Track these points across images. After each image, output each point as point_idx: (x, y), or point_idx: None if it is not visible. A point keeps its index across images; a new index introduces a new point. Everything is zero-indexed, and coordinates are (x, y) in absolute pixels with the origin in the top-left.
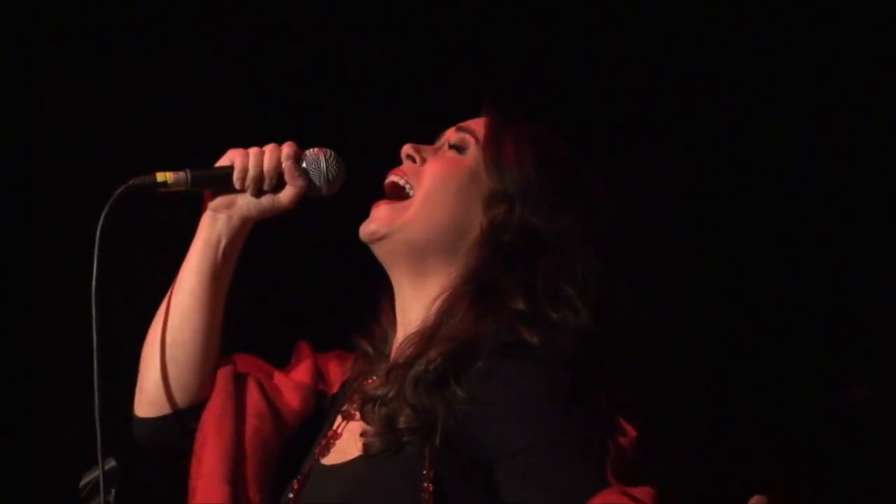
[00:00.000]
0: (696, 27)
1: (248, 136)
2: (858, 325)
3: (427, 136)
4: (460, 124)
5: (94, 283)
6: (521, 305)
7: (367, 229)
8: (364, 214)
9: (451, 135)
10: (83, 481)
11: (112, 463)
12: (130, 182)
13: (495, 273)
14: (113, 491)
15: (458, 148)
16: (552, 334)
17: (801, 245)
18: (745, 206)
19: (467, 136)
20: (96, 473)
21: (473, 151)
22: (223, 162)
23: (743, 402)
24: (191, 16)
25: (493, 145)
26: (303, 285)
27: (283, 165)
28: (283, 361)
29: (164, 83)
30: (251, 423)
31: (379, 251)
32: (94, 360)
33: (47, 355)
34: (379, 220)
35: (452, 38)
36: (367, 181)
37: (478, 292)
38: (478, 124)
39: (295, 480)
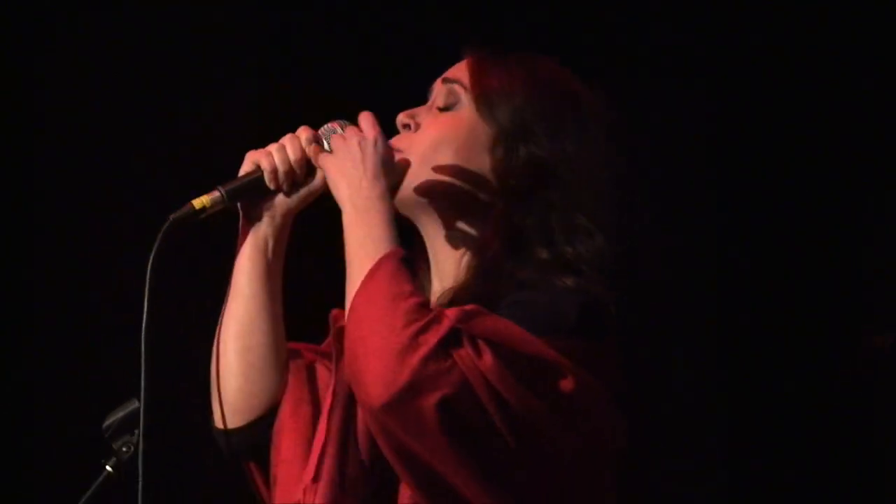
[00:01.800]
0: None
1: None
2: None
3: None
4: (445, 74)
5: (144, 324)
6: (545, 255)
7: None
8: None
9: (439, 89)
10: (107, 421)
11: (135, 404)
12: (171, 217)
13: (516, 220)
14: (137, 431)
15: (448, 107)
16: (578, 279)
17: (824, 193)
18: (769, 144)
19: (455, 87)
20: (121, 413)
21: (465, 102)
22: (246, 167)
23: (758, 346)
24: None
25: (478, 87)
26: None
27: (307, 151)
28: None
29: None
30: (326, 403)
31: (398, 209)
32: (141, 395)
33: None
34: None
35: None
36: None
37: (503, 247)
38: (460, 70)
39: None
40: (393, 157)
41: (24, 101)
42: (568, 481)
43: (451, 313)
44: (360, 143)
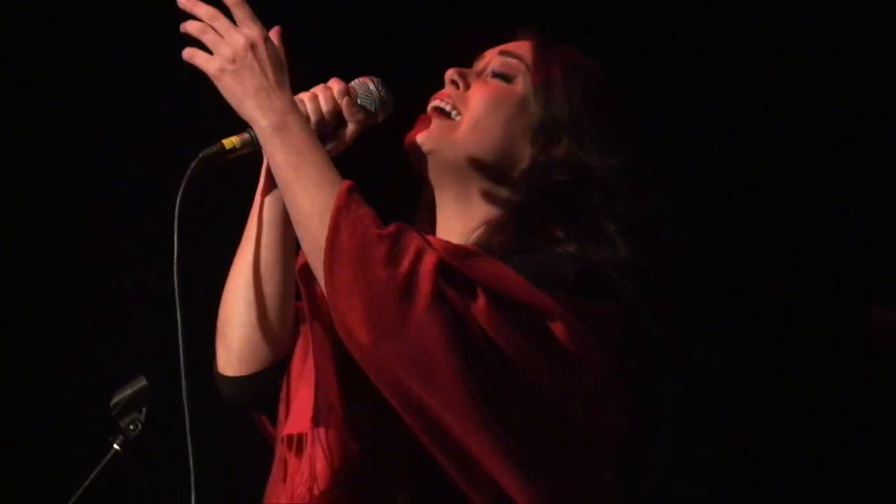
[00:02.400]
0: None
1: None
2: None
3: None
4: (504, 49)
5: (175, 261)
6: (559, 234)
7: (414, 140)
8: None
9: (493, 59)
10: (114, 399)
11: (143, 382)
12: (201, 155)
13: (540, 208)
14: (144, 409)
15: (504, 76)
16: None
17: (826, 173)
18: (770, 133)
19: (513, 62)
20: (128, 391)
21: (521, 79)
22: None
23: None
24: None
25: (542, 73)
26: None
27: (340, 103)
28: None
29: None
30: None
31: (424, 166)
32: (178, 335)
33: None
34: (427, 134)
35: None
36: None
37: (519, 225)
38: (523, 48)
39: None
40: (283, 56)
41: (25, 85)
42: (565, 435)
43: (444, 248)
44: (251, 47)
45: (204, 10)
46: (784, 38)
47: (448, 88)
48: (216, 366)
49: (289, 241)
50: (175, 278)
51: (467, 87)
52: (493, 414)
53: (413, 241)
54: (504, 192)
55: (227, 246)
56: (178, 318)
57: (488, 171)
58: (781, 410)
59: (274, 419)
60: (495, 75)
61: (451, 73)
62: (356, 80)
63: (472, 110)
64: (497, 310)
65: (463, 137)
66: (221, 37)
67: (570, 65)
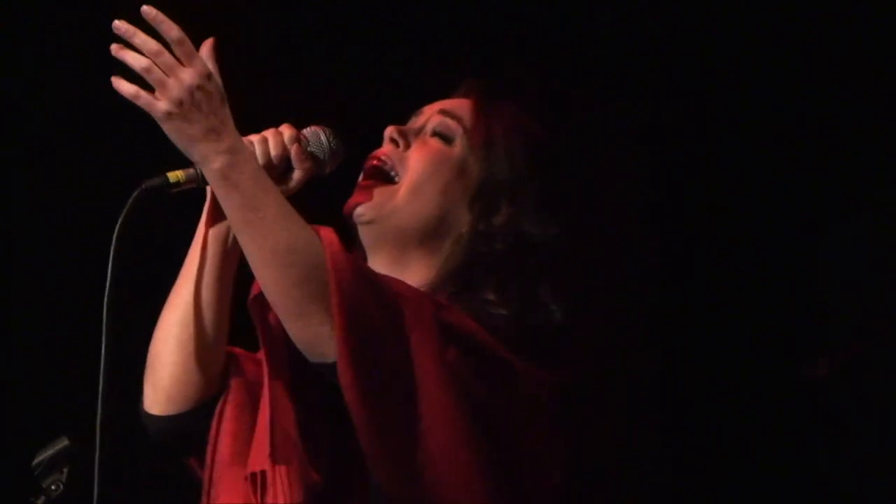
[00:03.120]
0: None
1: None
2: (819, 301)
3: (399, 113)
4: (444, 107)
5: (107, 289)
6: (490, 296)
7: (353, 209)
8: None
9: (433, 117)
10: (37, 459)
11: (64, 441)
12: (144, 185)
13: (476, 274)
14: (65, 469)
15: (444, 136)
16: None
17: (765, 225)
18: (708, 187)
19: (452, 124)
20: (50, 451)
21: (460, 141)
22: None
23: (705, 385)
24: None
25: (482, 135)
26: None
27: (290, 149)
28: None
29: None
30: (264, 383)
31: (364, 234)
32: (101, 367)
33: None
34: (369, 204)
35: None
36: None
37: (455, 291)
38: (462, 108)
39: None
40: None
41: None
42: (509, 479)
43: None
44: (198, 87)
45: (149, 45)
46: (719, 98)
47: (387, 146)
48: (143, 404)
49: (224, 284)
50: (105, 310)
51: (407, 146)
52: (478, 435)
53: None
54: (440, 258)
55: (160, 283)
56: (103, 349)
57: (426, 238)
58: (723, 465)
59: (202, 460)
60: (434, 135)
61: (390, 131)
62: (308, 128)
63: (412, 174)
64: (464, 356)
65: (403, 206)
66: (167, 76)
67: (513, 126)
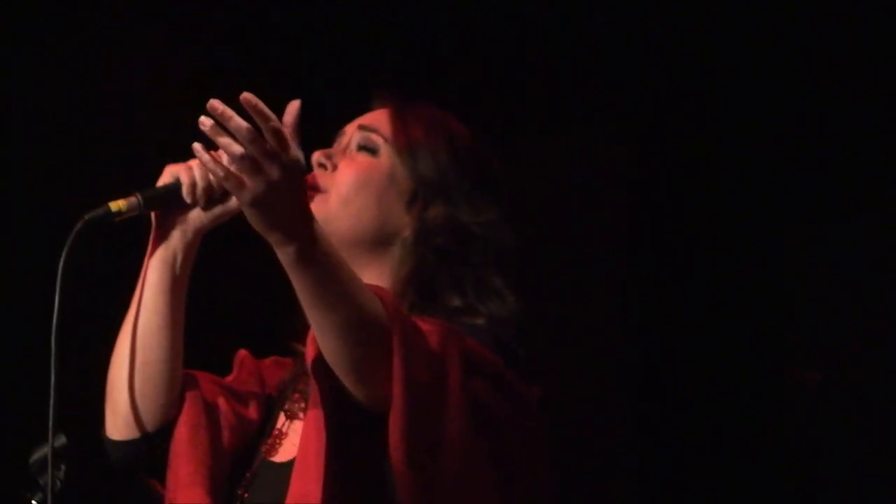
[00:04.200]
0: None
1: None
2: (807, 310)
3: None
4: (362, 123)
5: (55, 319)
6: (456, 302)
7: None
8: None
9: (354, 134)
10: (33, 458)
11: (62, 439)
12: (87, 217)
13: (431, 273)
14: (63, 467)
15: (368, 149)
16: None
17: (743, 229)
18: (685, 191)
19: (373, 136)
20: (45, 450)
21: (384, 150)
22: (165, 179)
23: (686, 390)
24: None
25: (402, 140)
26: (234, 292)
27: None
28: (220, 370)
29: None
30: (225, 434)
31: None
32: (51, 398)
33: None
34: None
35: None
36: None
37: (416, 297)
38: (379, 120)
39: (245, 479)
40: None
41: None
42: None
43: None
44: (289, 179)
45: (244, 133)
46: (696, 104)
47: (315, 171)
48: (103, 430)
49: (176, 308)
50: (53, 341)
51: (335, 167)
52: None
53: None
54: (391, 265)
55: (117, 309)
56: (52, 379)
57: (372, 246)
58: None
59: (163, 479)
60: (360, 149)
61: (317, 157)
62: None
63: (340, 186)
64: (493, 390)
65: (336, 214)
66: (260, 166)
67: (431, 124)
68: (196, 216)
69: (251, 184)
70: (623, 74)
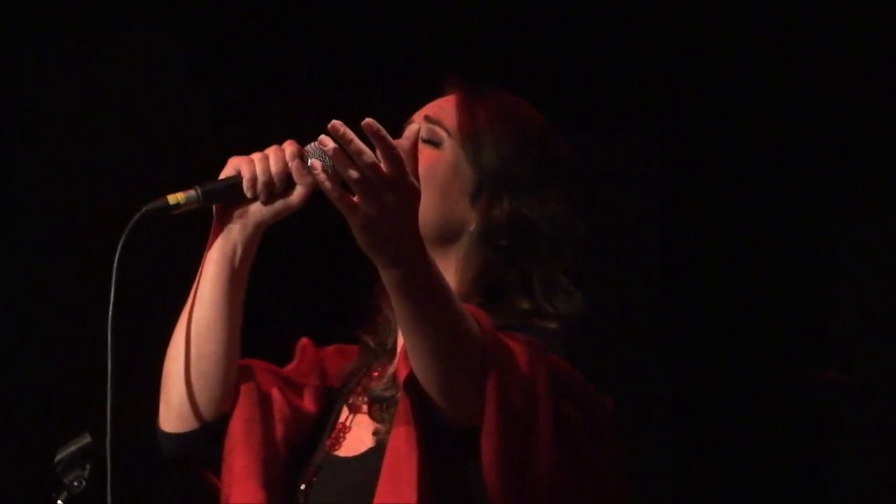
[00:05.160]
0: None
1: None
2: (831, 311)
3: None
4: (427, 113)
5: (110, 312)
6: (525, 305)
7: None
8: None
9: (421, 125)
10: (58, 456)
11: (87, 438)
12: (144, 209)
13: (498, 271)
14: (88, 466)
15: (432, 142)
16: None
17: (772, 231)
18: (716, 193)
19: (436, 129)
20: (72, 448)
21: (448, 143)
22: (227, 172)
23: (714, 390)
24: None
25: (466, 132)
26: (299, 279)
27: (290, 166)
28: (283, 357)
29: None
30: (279, 428)
31: None
32: (108, 385)
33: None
34: None
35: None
36: None
37: (486, 297)
38: (445, 110)
39: (307, 472)
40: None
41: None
42: None
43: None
44: (401, 206)
45: (365, 158)
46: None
47: None
48: (157, 422)
49: (233, 301)
50: (109, 331)
51: None
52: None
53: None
54: (458, 261)
55: (174, 301)
56: (109, 368)
57: (438, 242)
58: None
59: (218, 472)
60: (425, 142)
61: None
62: (313, 144)
63: None
64: (580, 409)
65: None
66: (377, 192)
67: (497, 114)
68: (256, 210)
69: (365, 207)
70: (655, 76)
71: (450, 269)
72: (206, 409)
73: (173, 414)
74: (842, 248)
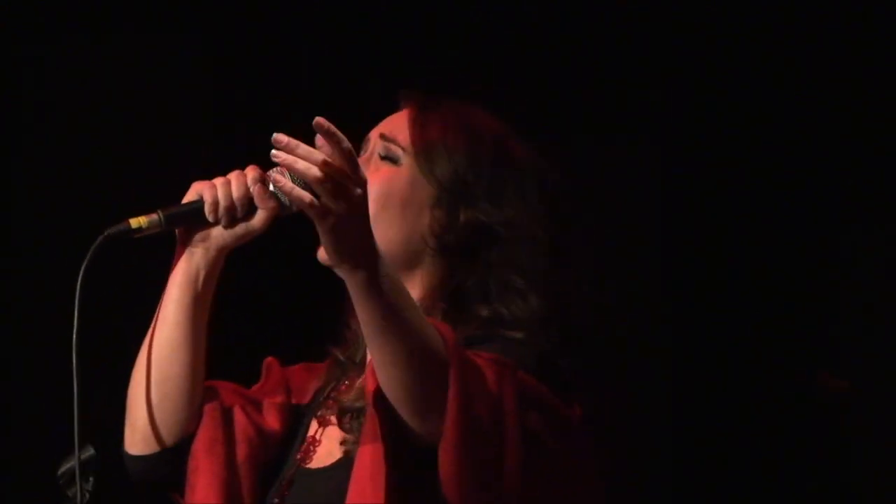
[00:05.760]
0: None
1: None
2: (837, 317)
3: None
4: (383, 131)
5: (75, 336)
6: (485, 312)
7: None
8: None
9: (377, 143)
10: (61, 470)
11: (90, 451)
12: (106, 233)
13: (458, 279)
14: (91, 479)
15: (390, 159)
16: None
17: (777, 233)
18: (717, 196)
19: (392, 147)
20: (73, 462)
21: (405, 159)
22: (190, 196)
23: (717, 397)
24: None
25: (418, 145)
26: (265, 300)
27: (252, 190)
28: (250, 378)
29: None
30: (241, 448)
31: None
32: (74, 417)
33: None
34: None
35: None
36: None
37: (446, 305)
38: (398, 126)
39: (280, 486)
40: None
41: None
42: None
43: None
44: (361, 203)
45: (315, 156)
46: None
47: None
48: (123, 445)
49: (197, 324)
50: (74, 356)
51: None
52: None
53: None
54: (421, 274)
55: (137, 324)
56: (75, 394)
57: (403, 259)
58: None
59: (184, 493)
60: (382, 159)
61: None
62: (275, 168)
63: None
64: (547, 420)
65: None
66: (342, 187)
67: (450, 125)
68: (219, 234)
69: (334, 206)
70: (655, 78)
71: (415, 284)
72: (171, 430)
73: (138, 437)
74: (844, 250)
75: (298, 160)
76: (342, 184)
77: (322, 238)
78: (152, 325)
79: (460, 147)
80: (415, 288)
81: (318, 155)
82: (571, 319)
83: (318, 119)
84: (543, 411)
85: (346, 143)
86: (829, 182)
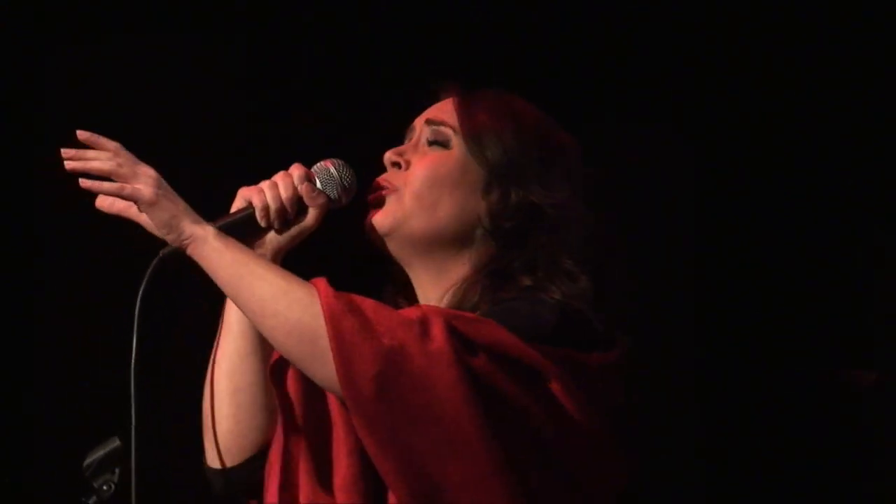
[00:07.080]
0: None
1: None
2: (864, 311)
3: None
4: (429, 117)
5: (133, 358)
6: (527, 282)
7: (372, 225)
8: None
9: (423, 129)
10: (87, 460)
11: (115, 442)
12: (161, 253)
13: (507, 259)
14: (117, 470)
15: (439, 143)
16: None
17: (806, 229)
18: (749, 188)
19: (442, 129)
20: (101, 452)
21: (455, 142)
22: (238, 204)
23: (744, 391)
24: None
25: (468, 128)
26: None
27: (299, 189)
28: None
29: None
30: (278, 439)
31: (391, 248)
32: (132, 432)
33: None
34: (379, 216)
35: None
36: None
37: (489, 278)
38: (445, 111)
39: None
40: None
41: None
42: (565, 493)
43: (446, 315)
44: (153, 171)
45: (109, 145)
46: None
47: (390, 171)
48: (204, 460)
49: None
50: (132, 375)
51: (408, 164)
52: (505, 460)
53: (415, 310)
54: (470, 254)
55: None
56: (133, 417)
57: (451, 241)
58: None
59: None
60: (430, 144)
61: (389, 156)
62: (318, 164)
63: (414, 182)
64: (499, 367)
65: (412, 212)
66: (134, 168)
67: (495, 108)
68: (273, 238)
69: (138, 183)
70: (689, 66)
71: (465, 262)
72: (250, 440)
73: (222, 449)
74: (877, 244)
75: (92, 161)
76: (132, 168)
77: (148, 217)
78: (216, 339)
79: (508, 130)
80: (464, 266)
81: (112, 144)
82: (616, 305)
83: (78, 132)
84: (495, 355)
85: (115, 143)
86: (859, 179)
